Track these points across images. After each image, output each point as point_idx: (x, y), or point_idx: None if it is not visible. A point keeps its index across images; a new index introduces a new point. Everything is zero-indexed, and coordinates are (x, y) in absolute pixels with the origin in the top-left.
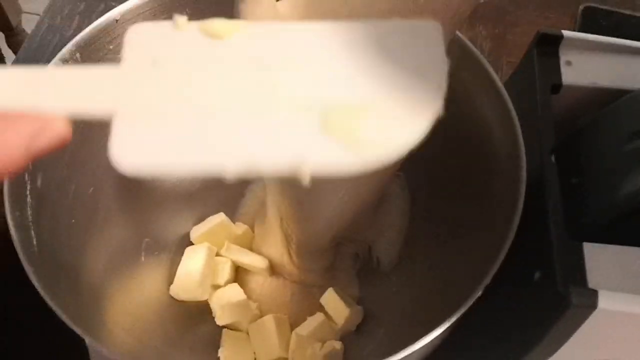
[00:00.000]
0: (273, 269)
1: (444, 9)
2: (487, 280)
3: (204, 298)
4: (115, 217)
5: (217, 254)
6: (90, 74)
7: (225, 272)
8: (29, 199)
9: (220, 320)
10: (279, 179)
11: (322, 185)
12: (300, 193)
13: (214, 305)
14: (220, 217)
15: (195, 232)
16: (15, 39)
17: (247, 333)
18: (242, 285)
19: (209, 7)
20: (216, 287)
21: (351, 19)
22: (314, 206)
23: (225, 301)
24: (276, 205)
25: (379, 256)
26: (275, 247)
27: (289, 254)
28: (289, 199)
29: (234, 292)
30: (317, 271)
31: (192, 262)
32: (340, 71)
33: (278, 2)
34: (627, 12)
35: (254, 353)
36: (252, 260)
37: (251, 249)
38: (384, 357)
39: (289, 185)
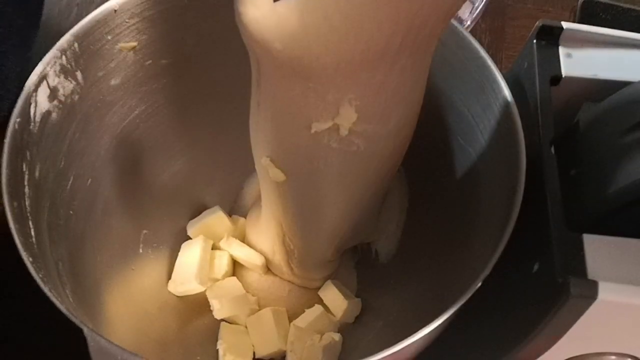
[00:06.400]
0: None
1: (436, 10)
2: (486, 271)
3: (201, 290)
4: (114, 209)
5: (216, 247)
6: None
7: (223, 265)
8: (27, 190)
9: (218, 314)
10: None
11: (324, 194)
12: (302, 205)
13: (212, 299)
14: (216, 211)
15: (191, 226)
16: None
17: (246, 326)
18: (239, 279)
19: None
20: (214, 280)
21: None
22: (317, 219)
23: (224, 295)
24: (278, 222)
25: (378, 249)
26: (273, 256)
27: (290, 266)
28: (292, 214)
29: (232, 286)
30: (319, 280)
31: (188, 255)
32: None
33: (276, 3)
34: (626, 5)
35: (253, 346)
36: (249, 257)
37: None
38: (383, 349)
39: (291, 197)
